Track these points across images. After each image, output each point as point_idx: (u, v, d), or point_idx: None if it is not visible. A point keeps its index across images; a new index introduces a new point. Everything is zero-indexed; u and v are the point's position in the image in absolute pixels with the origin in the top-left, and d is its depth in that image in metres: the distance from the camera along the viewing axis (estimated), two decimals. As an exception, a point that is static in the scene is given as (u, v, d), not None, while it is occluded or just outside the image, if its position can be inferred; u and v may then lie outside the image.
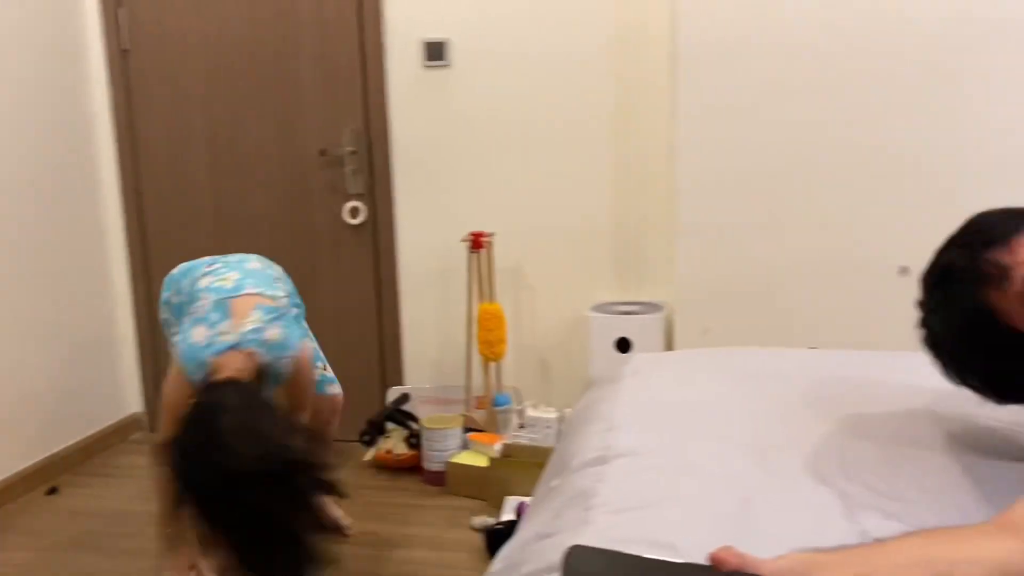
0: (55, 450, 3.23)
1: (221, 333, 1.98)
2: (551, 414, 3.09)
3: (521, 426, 3.12)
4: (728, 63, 2.70)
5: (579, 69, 3.10)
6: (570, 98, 3.12)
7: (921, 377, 1.47)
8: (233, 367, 1.92)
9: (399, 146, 3.29)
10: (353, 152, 3.31)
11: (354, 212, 3.35)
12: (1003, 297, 1.01)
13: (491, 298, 3.15)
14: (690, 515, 1.05)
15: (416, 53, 3.20)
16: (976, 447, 1.25)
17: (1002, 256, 1.01)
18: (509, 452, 2.89)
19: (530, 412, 3.12)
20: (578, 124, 3.14)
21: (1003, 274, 1.00)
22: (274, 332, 2.02)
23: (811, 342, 2.66)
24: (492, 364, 3.19)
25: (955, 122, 2.58)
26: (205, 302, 2.07)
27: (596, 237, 3.20)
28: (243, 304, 2.05)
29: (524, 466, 2.75)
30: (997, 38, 2.51)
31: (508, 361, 3.29)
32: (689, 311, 2.87)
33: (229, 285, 2.11)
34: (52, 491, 3.08)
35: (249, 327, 1.99)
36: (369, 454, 3.23)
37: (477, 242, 3.11)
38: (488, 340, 3.08)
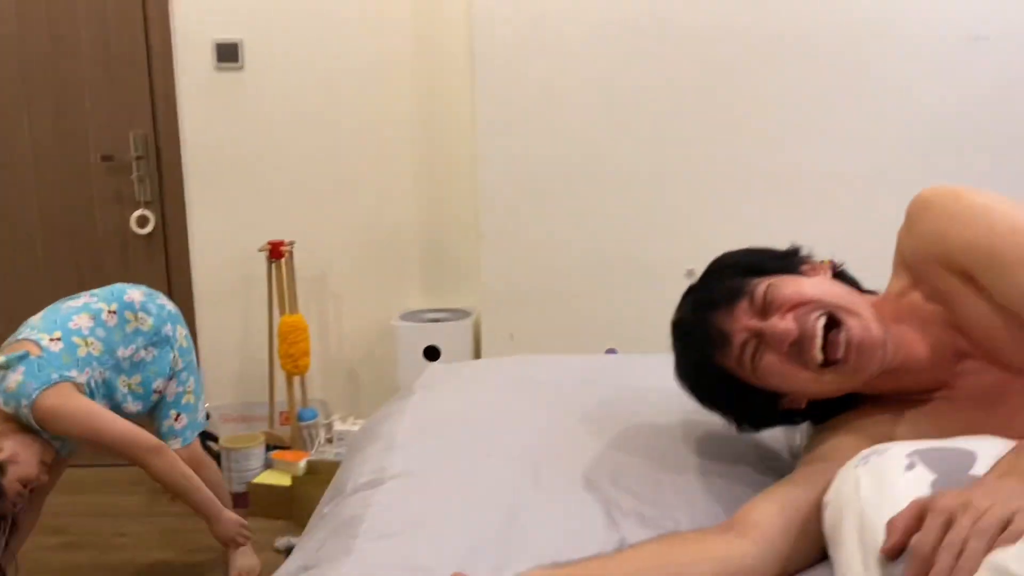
0: None
1: None
2: (359, 427, 3.02)
3: (329, 440, 3.04)
4: (524, 72, 2.75)
5: (379, 73, 3.05)
6: (371, 103, 3.07)
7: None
8: None
9: (191, 151, 3.11)
10: (140, 158, 3.10)
11: (142, 221, 3.14)
12: (726, 357, 1.07)
13: (293, 309, 3.05)
14: (453, 535, 1.04)
15: (207, 54, 3.04)
16: (734, 456, 1.32)
17: (724, 322, 1.06)
18: (315, 469, 2.81)
19: (338, 426, 3.04)
20: (380, 129, 3.09)
21: (725, 339, 1.07)
22: (12, 380, 1.95)
23: (611, 343, 2.76)
24: (296, 378, 3.08)
25: (738, 131, 2.74)
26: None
27: (402, 244, 3.17)
28: (10, 351, 2.01)
29: (329, 483, 2.67)
30: (780, 50, 2.69)
31: (314, 374, 3.20)
32: (495, 317, 2.90)
33: (24, 330, 2.08)
34: None
35: None
36: (165, 479, 3.03)
37: (276, 251, 2.99)
38: (291, 353, 2.97)
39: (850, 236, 2.08)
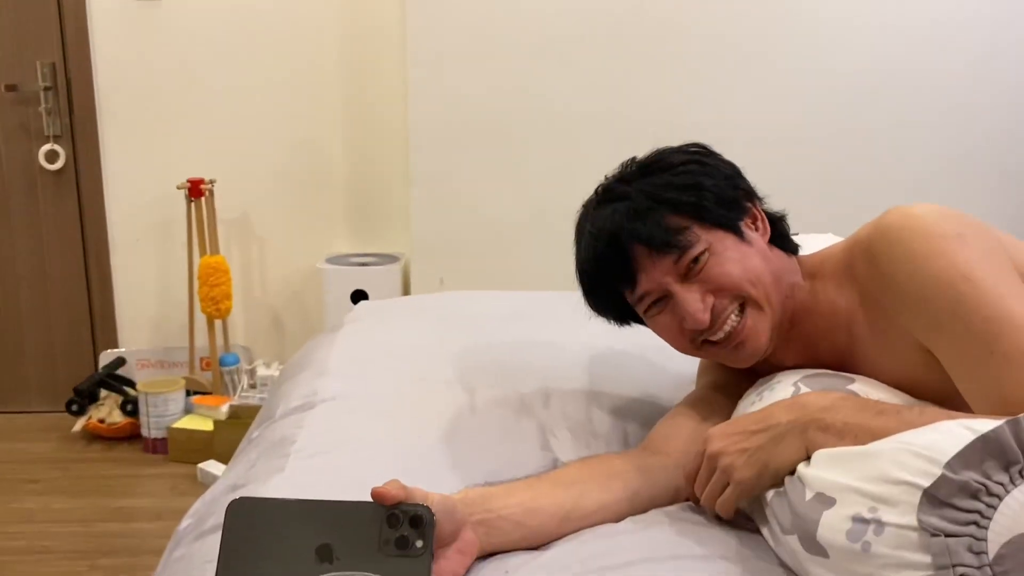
0: None
1: None
2: (284, 371, 2.97)
3: (252, 386, 2.97)
4: (459, 7, 2.68)
5: (305, 5, 2.94)
6: (295, 37, 2.96)
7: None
8: None
9: (105, 84, 2.96)
10: (48, 88, 2.93)
11: (52, 156, 2.98)
12: (625, 291, 1.05)
13: (214, 250, 2.95)
14: (386, 454, 1.03)
15: (121, -20, 2.88)
16: (663, 382, 1.34)
17: (641, 264, 1.00)
18: (237, 413, 2.75)
19: (262, 371, 2.98)
20: (304, 64, 2.98)
21: (632, 280, 1.02)
22: None
23: (542, 291, 2.76)
24: (218, 322, 3.00)
25: (679, 73, 2.72)
26: None
27: (329, 186, 3.09)
28: None
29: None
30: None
31: (236, 318, 3.12)
32: (424, 262, 2.87)
33: None
34: None
35: None
36: (78, 424, 2.93)
37: (196, 189, 2.88)
38: (212, 296, 2.88)
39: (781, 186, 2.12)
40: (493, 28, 2.70)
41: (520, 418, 1.20)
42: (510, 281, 2.85)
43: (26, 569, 2.19)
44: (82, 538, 2.33)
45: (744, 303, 1.00)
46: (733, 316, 1.00)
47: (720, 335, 1.01)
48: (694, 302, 0.99)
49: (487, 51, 2.71)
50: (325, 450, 1.05)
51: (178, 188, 2.87)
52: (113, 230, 3.05)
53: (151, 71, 2.95)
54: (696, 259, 0.99)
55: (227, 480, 1.07)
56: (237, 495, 0.99)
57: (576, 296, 1.14)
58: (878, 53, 2.72)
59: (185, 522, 1.02)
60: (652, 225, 0.99)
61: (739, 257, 1.00)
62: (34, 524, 2.40)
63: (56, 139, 2.98)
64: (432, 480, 1.01)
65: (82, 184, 3.03)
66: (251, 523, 0.76)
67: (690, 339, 1.03)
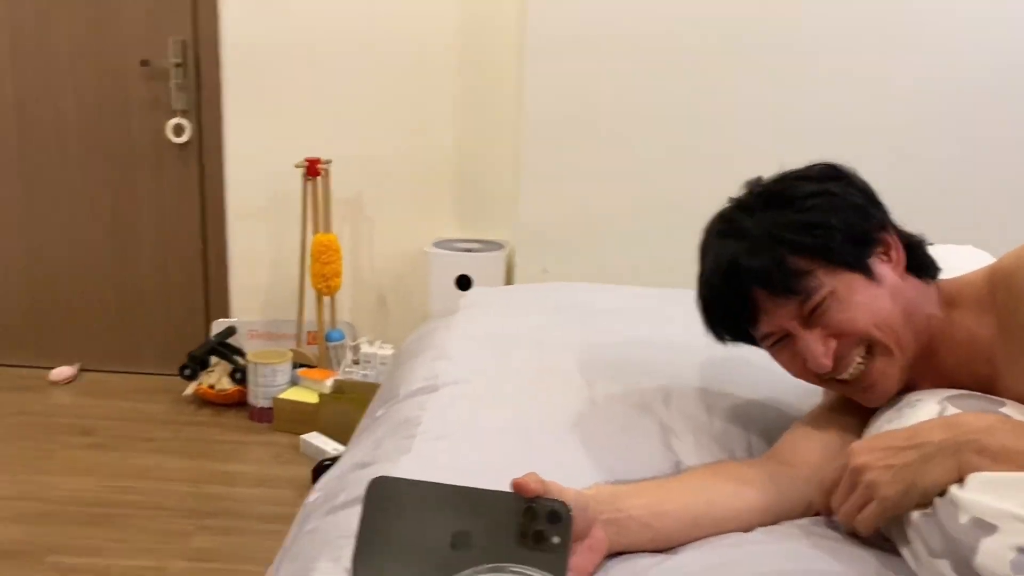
0: None
1: None
2: (387, 350, 3.02)
3: (355, 362, 3.04)
4: (578, 3, 2.66)
5: (426, -6, 2.98)
6: (416, 25, 2.99)
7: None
8: None
9: (231, 62, 3.06)
10: (179, 65, 3.05)
11: (178, 130, 3.10)
12: (748, 326, 1.00)
13: (327, 229, 3.02)
14: (510, 442, 1.03)
15: (252, -40, 2.97)
16: (785, 387, 1.30)
17: (764, 305, 0.96)
18: (341, 388, 2.82)
19: (365, 348, 3.04)
20: (423, 53, 3.02)
21: (755, 319, 0.98)
22: None
23: (644, 285, 2.73)
24: (326, 298, 3.07)
25: (794, 77, 2.66)
26: None
27: (439, 172, 3.12)
28: None
29: (356, 402, 2.68)
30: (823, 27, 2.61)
31: (343, 295, 3.19)
32: (529, 251, 2.87)
33: None
34: None
35: None
36: (190, 388, 3.05)
37: (313, 169, 2.95)
38: (322, 273, 2.96)
39: (908, 183, 2.03)
40: (613, 22, 2.66)
41: (641, 416, 1.18)
42: (612, 274, 2.82)
43: (140, 523, 2.30)
44: (191, 498, 2.43)
45: (871, 346, 0.96)
46: (859, 359, 0.96)
47: (846, 376, 0.98)
48: (816, 347, 0.95)
49: (605, 46, 2.68)
50: (450, 434, 1.06)
51: (296, 167, 2.95)
52: (231, 203, 3.16)
53: (275, 51, 3.04)
54: (818, 306, 0.95)
55: (353, 457, 1.10)
56: (365, 473, 1.01)
57: (690, 296, 1.10)
58: (1007, 58, 2.58)
59: (313, 495, 1.05)
60: (773, 267, 0.95)
61: (866, 300, 0.95)
62: (148, 480, 2.51)
63: (183, 113, 3.10)
64: (556, 473, 1.01)
65: (205, 158, 3.15)
66: (390, 503, 0.77)
67: (815, 376, 1.00)
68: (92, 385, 3.16)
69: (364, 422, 1.27)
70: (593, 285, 1.85)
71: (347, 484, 1.00)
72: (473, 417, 1.11)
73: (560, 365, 1.31)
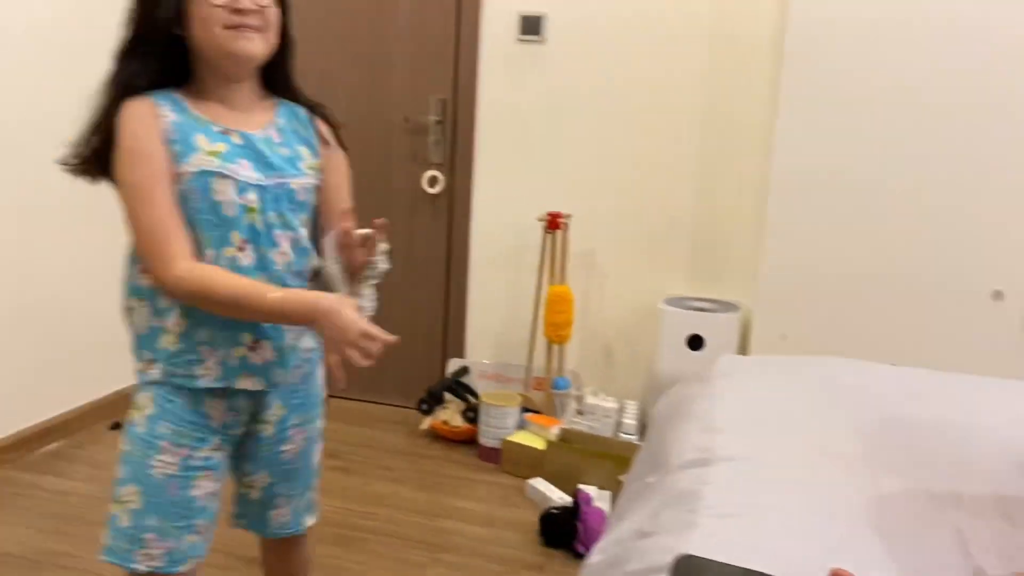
0: (121, 387, 3.29)
1: None
2: (611, 403, 3.05)
3: (579, 412, 3.09)
4: (838, 53, 2.60)
5: (674, 55, 3.03)
6: (662, 84, 3.05)
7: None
8: None
9: (484, 119, 3.26)
10: (438, 122, 3.29)
11: (433, 181, 3.33)
12: None
13: (562, 280, 3.12)
14: (797, 528, 1.01)
15: (511, 26, 3.16)
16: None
17: None
18: (567, 437, 2.87)
19: (589, 399, 3.09)
20: (668, 111, 3.07)
21: None
22: None
23: (890, 359, 2.58)
24: (555, 347, 3.16)
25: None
26: None
27: (675, 229, 3.14)
28: None
29: (583, 453, 2.73)
30: None
31: (572, 345, 3.26)
32: (768, 314, 2.81)
33: None
34: (116, 426, 3.14)
35: None
36: (425, 423, 3.23)
37: (554, 222, 3.07)
38: (555, 322, 3.05)
39: None
40: (866, 92, 2.58)
41: (932, 513, 1.12)
42: (853, 346, 2.70)
43: (377, 549, 2.44)
44: (425, 530, 2.55)
45: None
46: None
47: None
48: None
49: (857, 115, 2.60)
50: (736, 513, 1.05)
51: (538, 220, 3.08)
52: (475, 251, 3.35)
53: (526, 108, 3.20)
54: None
55: (631, 524, 1.12)
56: (650, 543, 1.03)
57: (976, 380, 1.04)
58: None
59: (595, 557, 1.08)
60: None
61: None
62: (385, 508, 2.67)
63: (438, 166, 3.33)
64: (853, 566, 0.98)
65: (455, 208, 3.36)
66: None
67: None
68: (340, 411, 3.42)
69: (634, 486, 1.30)
70: (860, 362, 1.78)
71: (631, 552, 1.02)
72: (757, 498, 1.10)
73: (839, 448, 1.27)
